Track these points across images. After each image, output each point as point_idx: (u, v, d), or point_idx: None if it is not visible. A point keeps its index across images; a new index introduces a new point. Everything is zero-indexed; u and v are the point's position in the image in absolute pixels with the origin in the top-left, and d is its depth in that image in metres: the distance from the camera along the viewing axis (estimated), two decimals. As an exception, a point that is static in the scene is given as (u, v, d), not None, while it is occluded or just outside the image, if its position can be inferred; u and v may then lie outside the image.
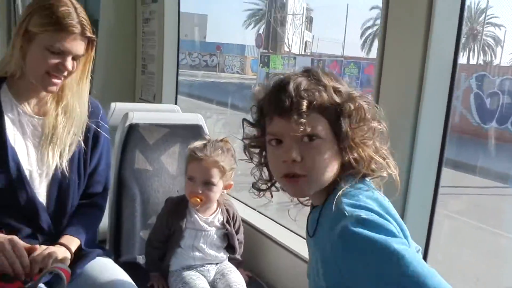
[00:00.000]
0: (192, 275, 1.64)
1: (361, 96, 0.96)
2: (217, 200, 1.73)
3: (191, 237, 1.68)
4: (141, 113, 2.04)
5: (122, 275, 1.47)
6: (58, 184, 1.43)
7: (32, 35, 1.30)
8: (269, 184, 1.06)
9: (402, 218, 0.96)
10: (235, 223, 1.78)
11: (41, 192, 1.42)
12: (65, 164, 1.42)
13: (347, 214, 0.87)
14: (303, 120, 0.90)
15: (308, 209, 1.07)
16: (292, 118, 0.91)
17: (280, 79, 0.98)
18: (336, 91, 0.95)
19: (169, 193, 1.99)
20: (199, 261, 1.69)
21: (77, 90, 1.44)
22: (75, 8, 1.34)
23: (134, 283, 1.46)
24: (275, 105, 0.94)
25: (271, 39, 22.33)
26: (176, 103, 2.98)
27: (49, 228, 1.44)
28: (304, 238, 1.90)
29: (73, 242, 1.42)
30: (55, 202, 1.44)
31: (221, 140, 1.73)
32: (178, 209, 1.69)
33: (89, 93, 1.50)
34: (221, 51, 27.89)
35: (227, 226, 1.73)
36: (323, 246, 0.91)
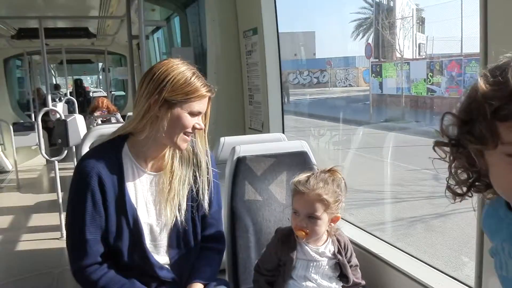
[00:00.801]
0: None
1: None
2: (327, 230, 1.72)
3: (302, 268, 1.68)
4: (248, 145, 2.13)
5: None
6: (177, 234, 1.55)
7: (172, 104, 1.46)
8: (466, 189, 0.94)
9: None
10: (347, 253, 1.75)
11: (162, 243, 1.55)
12: (183, 216, 1.54)
13: None
14: None
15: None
16: None
17: None
18: None
19: (280, 221, 2.02)
20: None
21: (199, 141, 1.59)
22: (197, 73, 1.51)
23: None
24: None
25: (381, 47, 21.70)
26: (283, 130, 3.05)
27: (173, 278, 1.55)
28: (424, 262, 1.83)
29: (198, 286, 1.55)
30: (176, 250, 1.56)
31: (329, 170, 1.72)
32: (288, 240, 1.70)
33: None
34: (332, 65, 27.77)
35: (339, 256, 1.71)
36: None
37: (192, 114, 1.48)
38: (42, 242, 4.11)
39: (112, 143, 1.52)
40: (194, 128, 1.50)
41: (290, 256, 1.67)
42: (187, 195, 1.56)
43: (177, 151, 1.56)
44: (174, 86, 1.45)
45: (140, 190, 1.52)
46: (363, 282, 1.78)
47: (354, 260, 1.79)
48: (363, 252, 1.97)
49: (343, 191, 1.69)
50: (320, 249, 1.69)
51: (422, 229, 5.31)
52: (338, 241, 1.73)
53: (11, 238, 4.31)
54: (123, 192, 1.47)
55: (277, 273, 1.71)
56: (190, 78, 1.47)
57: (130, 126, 1.52)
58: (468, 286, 1.58)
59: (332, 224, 1.71)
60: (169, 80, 1.45)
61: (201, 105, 1.49)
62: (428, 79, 14.84)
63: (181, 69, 1.47)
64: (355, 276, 1.76)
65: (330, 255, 1.70)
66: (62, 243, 4.03)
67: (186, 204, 1.55)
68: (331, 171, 1.71)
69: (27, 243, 4.16)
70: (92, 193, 1.43)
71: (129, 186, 1.50)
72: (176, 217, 1.52)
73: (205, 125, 1.57)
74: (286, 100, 18.77)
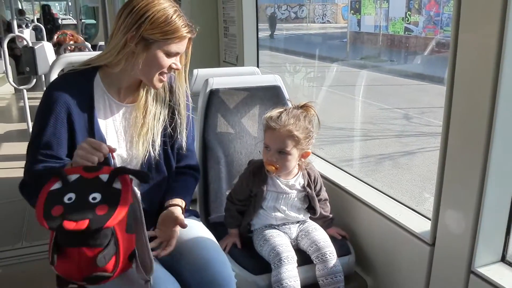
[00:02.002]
0: (272, 233, 1.72)
1: None
2: (298, 164, 1.76)
3: (272, 199, 1.74)
4: (221, 78, 2.11)
5: (206, 233, 1.58)
6: (148, 167, 1.54)
7: (150, 42, 1.39)
8: None
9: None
10: (316, 186, 1.81)
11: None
12: (157, 151, 1.53)
13: None
14: None
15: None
16: None
17: None
18: None
19: (251, 154, 2.07)
20: (280, 221, 1.76)
21: (178, 79, 1.55)
22: (180, 11, 1.43)
23: (216, 241, 1.57)
24: None
25: (361, -17, 21.20)
26: (257, 64, 3.03)
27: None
28: (388, 196, 1.91)
29: (182, 203, 1.57)
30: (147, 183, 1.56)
31: (302, 106, 1.72)
32: (260, 172, 1.74)
33: None
34: (311, 0, 27.09)
35: (308, 189, 1.76)
36: None
37: (169, 54, 1.43)
38: (13, 171, 4.08)
39: (83, 72, 1.47)
40: (170, 68, 1.46)
41: (261, 188, 1.72)
42: (162, 132, 1.55)
43: (150, 88, 1.53)
44: (153, 23, 1.38)
45: (111, 120, 1.50)
46: (331, 216, 1.86)
47: (324, 194, 1.85)
48: (332, 186, 2.04)
49: (315, 127, 1.71)
50: (290, 182, 1.74)
51: (390, 166, 5.48)
52: (309, 174, 1.78)
53: (-19, 166, 4.27)
54: (92, 122, 1.45)
55: (248, 202, 1.77)
56: (171, 17, 1.39)
57: (105, 59, 1.46)
58: (427, 218, 1.68)
59: (303, 159, 1.75)
60: (148, 16, 1.38)
61: (179, 46, 1.43)
62: (406, 18, 14.72)
63: (163, 5, 1.40)
64: (323, 209, 1.84)
65: (299, 188, 1.76)
66: (34, 172, 4.00)
67: (161, 140, 1.55)
68: (304, 107, 1.72)
69: (-3, 171, 4.14)
70: (56, 119, 1.39)
71: (99, 115, 1.47)
72: (149, 152, 1.52)
73: (185, 65, 1.53)
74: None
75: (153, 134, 1.53)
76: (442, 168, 1.45)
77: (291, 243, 1.73)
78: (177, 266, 1.46)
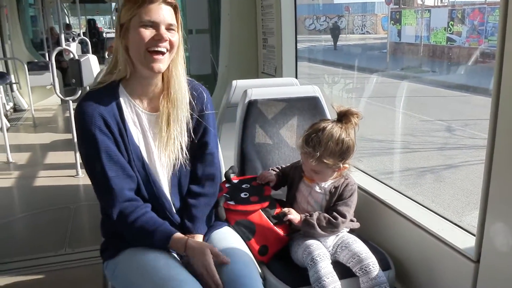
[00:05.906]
0: (307, 240, 1.72)
1: None
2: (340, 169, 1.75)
3: (306, 191, 1.79)
4: (259, 89, 2.12)
5: (239, 243, 1.59)
6: (178, 172, 1.57)
7: (127, 26, 1.44)
8: None
9: None
10: (344, 193, 1.77)
11: (163, 183, 1.56)
12: (185, 154, 1.55)
13: None
14: None
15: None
16: None
17: None
18: None
19: (290, 165, 2.06)
20: None
21: (175, 73, 1.52)
22: None
23: (249, 253, 1.57)
24: None
25: (402, -7, 20.90)
26: (296, 75, 3.02)
27: (173, 215, 1.58)
28: (430, 210, 1.85)
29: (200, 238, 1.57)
30: (177, 189, 1.59)
31: (343, 116, 1.70)
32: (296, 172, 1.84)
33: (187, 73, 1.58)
34: (350, 11, 26.92)
35: (329, 193, 1.76)
36: None
37: (145, 24, 1.41)
38: (59, 179, 4.24)
39: (106, 87, 1.50)
40: (154, 40, 1.42)
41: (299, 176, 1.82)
42: (188, 136, 1.57)
43: (169, 94, 1.52)
44: (123, 7, 1.44)
45: (141, 129, 1.52)
46: (355, 220, 1.82)
47: (342, 209, 1.76)
48: (371, 198, 2.00)
49: (354, 142, 1.70)
50: (324, 184, 1.78)
51: (432, 179, 5.32)
52: (343, 183, 1.77)
53: (29, 174, 4.45)
54: (126, 132, 1.48)
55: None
56: None
57: (112, 71, 1.50)
58: (471, 233, 1.62)
59: (340, 171, 1.75)
60: (121, 5, 1.47)
61: (152, 13, 1.41)
62: (449, 28, 14.38)
63: None
64: (348, 213, 1.77)
65: (330, 190, 1.77)
66: (78, 180, 4.15)
67: (188, 144, 1.57)
68: (344, 116, 1.70)
69: (44, 179, 4.29)
70: (100, 132, 1.42)
71: (130, 125, 1.50)
72: (179, 156, 1.53)
73: (177, 47, 1.48)
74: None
75: (180, 140, 1.54)
76: (487, 182, 1.40)
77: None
78: None
